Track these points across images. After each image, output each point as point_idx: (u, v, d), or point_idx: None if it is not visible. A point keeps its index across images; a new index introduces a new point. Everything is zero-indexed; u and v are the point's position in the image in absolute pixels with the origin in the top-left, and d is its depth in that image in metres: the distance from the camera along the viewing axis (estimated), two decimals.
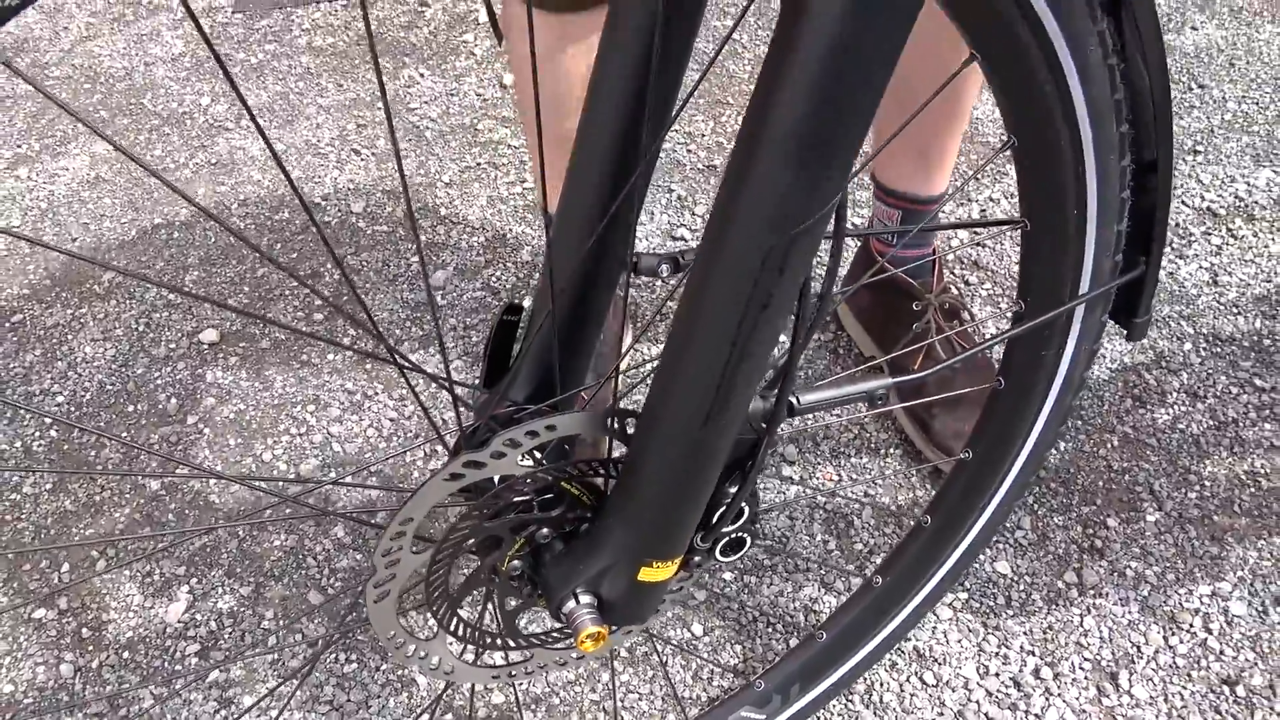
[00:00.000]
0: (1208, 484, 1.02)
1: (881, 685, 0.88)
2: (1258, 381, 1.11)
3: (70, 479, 1.07)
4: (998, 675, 0.89)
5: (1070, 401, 0.64)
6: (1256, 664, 0.88)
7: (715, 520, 0.49)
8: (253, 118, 0.33)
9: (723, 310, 0.40)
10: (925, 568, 0.72)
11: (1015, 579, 0.95)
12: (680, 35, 0.44)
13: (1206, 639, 0.90)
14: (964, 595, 0.93)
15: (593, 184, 0.49)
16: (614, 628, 0.51)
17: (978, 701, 0.87)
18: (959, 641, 0.91)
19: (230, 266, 1.33)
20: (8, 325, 1.26)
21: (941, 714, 0.86)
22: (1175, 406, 1.09)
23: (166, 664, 0.93)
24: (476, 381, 0.56)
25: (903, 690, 0.88)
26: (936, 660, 0.90)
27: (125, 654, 0.93)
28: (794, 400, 0.49)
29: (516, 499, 0.47)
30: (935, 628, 0.91)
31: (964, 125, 0.98)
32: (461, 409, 0.51)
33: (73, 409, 1.15)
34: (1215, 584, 0.94)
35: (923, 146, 0.97)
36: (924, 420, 1.02)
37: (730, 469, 0.48)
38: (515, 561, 0.49)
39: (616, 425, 0.46)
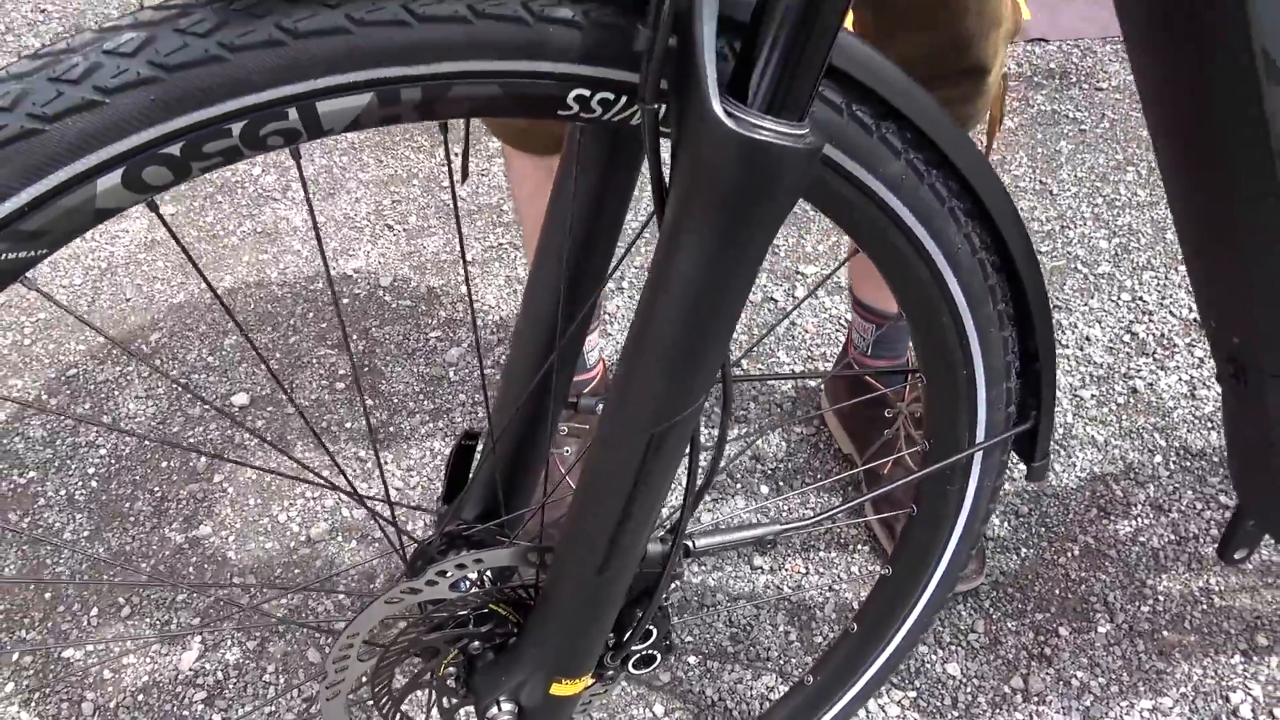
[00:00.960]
0: (1161, 599, 1.06)
1: None
2: (1222, 498, 1.16)
3: (105, 529, 1.17)
4: None
5: (979, 529, 0.70)
6: None
7: (623, 640, 0.57)
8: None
9: (612, 480, 0.47)
10: (852, 671, 0.78)
11: (964, 681, 1.00)
12: (613, 204, 0.52)
13: None
14: (912, 694, 0.99)
15: (537, 329, 0.57)
16: None
17: None
18: None
19: (265, 333, 1.44)
20: (64, 378, 1.38)
21: None
22: (1139, 519, 1.14)
23: (176, 709, 1.02)
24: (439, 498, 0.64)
25: None
26: None
27: (140, 696, 1.02)
28: (690, 544, 0.56)
29: (450, 617, 0.55)
30: None
31: None
32: (423, 521, 0.59)
33: (113, 461, 1.26)
34: (1157, 699, 0.98)
35: None
36: (892, 526, 1.08)
37: (637, 597, 0.55)
38: (450, 668, 0.57)
39: (538, 559, 0.54)
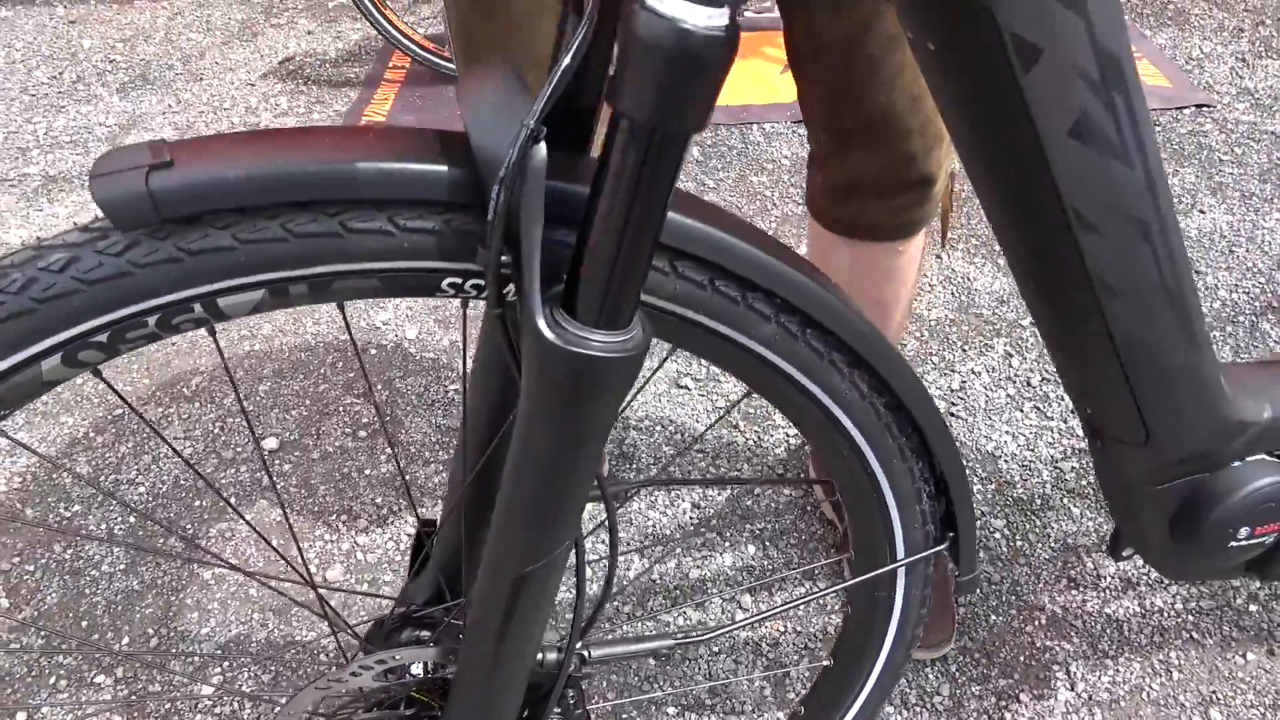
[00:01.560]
0: (1122, 670, 1.11)
1: None
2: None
3: (140, 563, 1.27)
4: None
5: (912, 631, 0.76)
6: None
7: None
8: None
9: (492, 608, 0.55)
10: None
11: None
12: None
13: None
14: None
15: (478, 417, 0.64)
16: None
17: None
18: None
19: (297, 380, 1.55)
20: (110, 417, 1.50)
21: None
22: (1108, 591, 1.19)
23: None
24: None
25: None
26: None
27: None
28: (585, 654, 0.64)
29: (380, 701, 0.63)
30: None
31: (899, 337, 1.12)
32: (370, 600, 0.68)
33: (151, 498, 1.36)
34: None
35: None
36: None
37: (543, 696, 0.63)
38: None
39: (444, 659, 0.62)
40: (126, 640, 1.19)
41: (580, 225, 0.44)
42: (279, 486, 1.38)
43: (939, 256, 1.80)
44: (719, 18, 0.38)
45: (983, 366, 1.53)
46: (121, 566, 1.27)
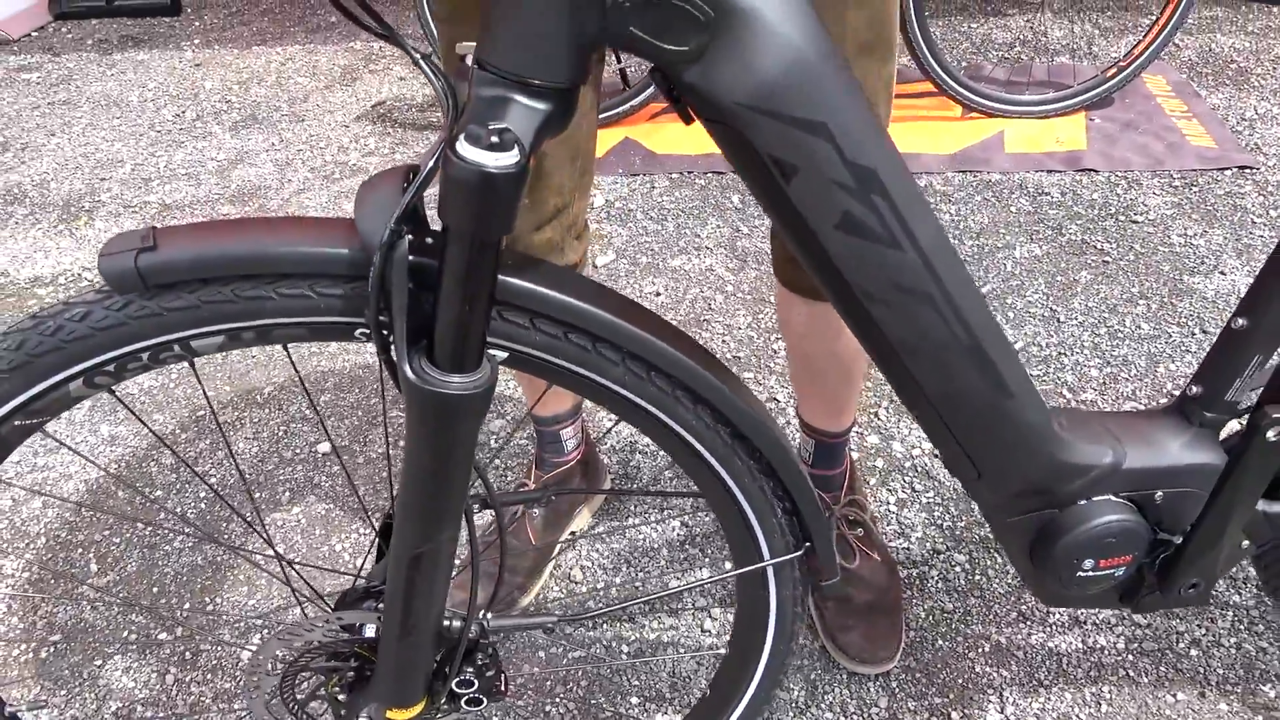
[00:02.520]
0: (1054, 699, 1.20)
1: None
2: (1137, 617, 1.28)
3: (204, 544, 1.49)
4: None
5: (790, 627, 0.88)
6: None
7: (446, 689, 0.80)
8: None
9: (399, 579, 0.71)
10: None
11: None
12: None
13: None
14: None
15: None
16: None
17: None
18: None
19: (353, 394, 1.76)
20: (194, 418, 1.73)
21: None
22: (1054, 627, 1.28)
23: (238, 690, 1.30)
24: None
25: None
26: None
27: (208, 677, 1.31)
28: (484, 624, 0.79)
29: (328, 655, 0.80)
30: None
31: (857, 386, 1.24)
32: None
33: (221, 487, 1.58)
34: None
35: (826, 400, 1.24)
36: (822, 613, 1.27)
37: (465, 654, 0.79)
38: (337, 687, 0.82)
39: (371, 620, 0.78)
40: (187, 605, 1.40)
41: (434, 294, 0.60)
42: (320, 482, 1.58)
43: None
44: (508, 159, 0.54)
45: None
46: (190, 545, 1.49)
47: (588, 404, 1.58)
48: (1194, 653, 1.24)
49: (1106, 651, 1.25)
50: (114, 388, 0.68)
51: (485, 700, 0.84)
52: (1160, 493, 0.88)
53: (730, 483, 0.76)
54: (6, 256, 2.28)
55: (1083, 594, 0.91)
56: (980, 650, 1.26)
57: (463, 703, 0.83)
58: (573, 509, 1.43)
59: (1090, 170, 2.34)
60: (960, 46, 3.06)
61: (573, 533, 1.44)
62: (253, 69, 3.26)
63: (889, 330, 0.70)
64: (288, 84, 3.13)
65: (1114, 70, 2.57)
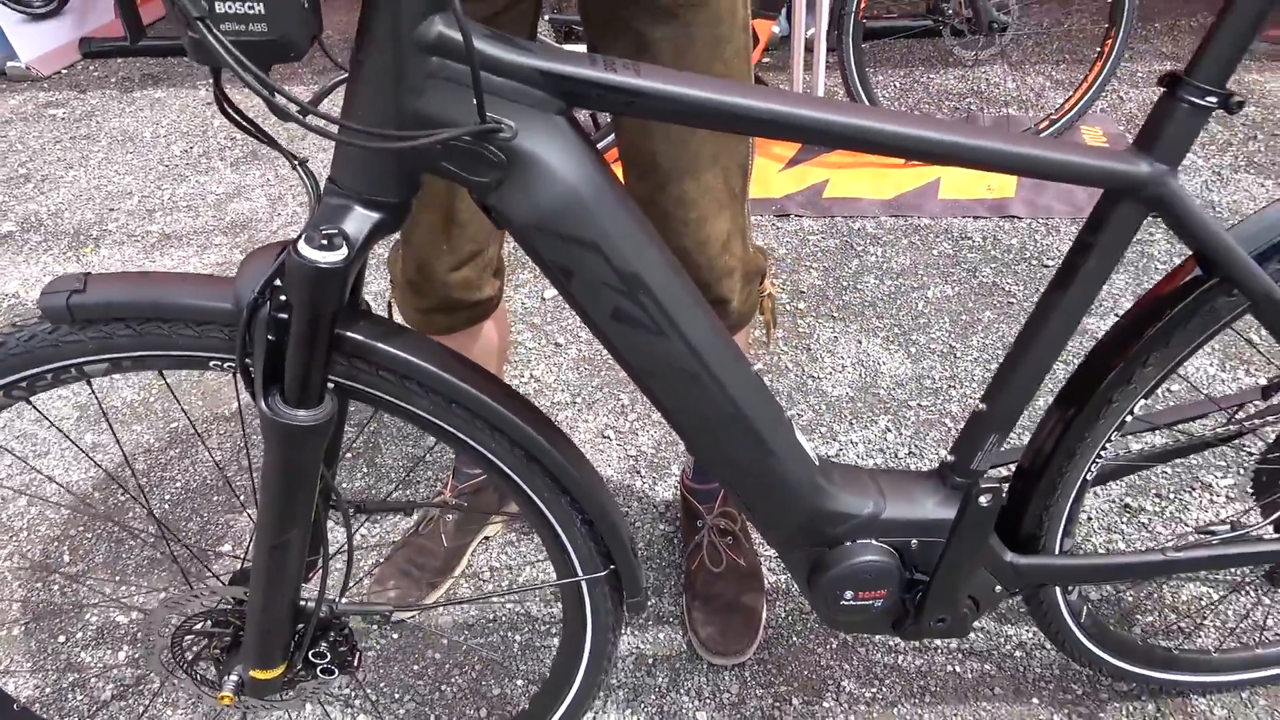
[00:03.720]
0: (886, 689, 1.35)
1: None
2: (980, 623, 1.43)
3: (161, 542, 1.68)
4: None
5: (608, 635, 1.04)
6: None
7: (301, 657, 0.98)
8: None
9: (259, 566, 0.88)
10: (550, 708, 1.15)
11: None
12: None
13: None
14: None
15: None
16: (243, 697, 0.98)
17: None
18: None
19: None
20: (168, 429, 1.94)
21: None
22: None
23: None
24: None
25: None
26: None
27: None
28: (332, 607, 0.97)
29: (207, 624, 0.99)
30: None
31: None
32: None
33: (184, 491, 1.78)
34: None
35: None
36: (690, 611, 1.44)
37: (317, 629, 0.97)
38: (217, 649, 1.00)
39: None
40: (146, 592, 1.59)
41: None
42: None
43: (783, 347, 2.07)
44: (335, 257, 0.71)
45: (860, 438, 1.79)
46: (151, 541, 1.68)
47: None
48: (1018, 654, 1.40)
49: (939, 651, 1.40)
50: (29, 399, 0.87)
51: (338, 671, 1.01)
52: (915, 541, 1.04)
53: (537, 500, 0.93)
54: (18, 280, 2.52)
55: (851, 620, 1.08)
56: (828, 647, 1.42)
57: (318, 671, 1.01)
58: (485, 517, 1.60)
59: (1014, 217, 2.51)
60: (915, 96, 3.24)
61: (486, 537, 1.62)
62: (260, 108, 3.50)
63: (662, 400, 0.87)
64: (290, 124, 3.37)
65: (1046, 123, 2.74)
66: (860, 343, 2.06)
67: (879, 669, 1.38)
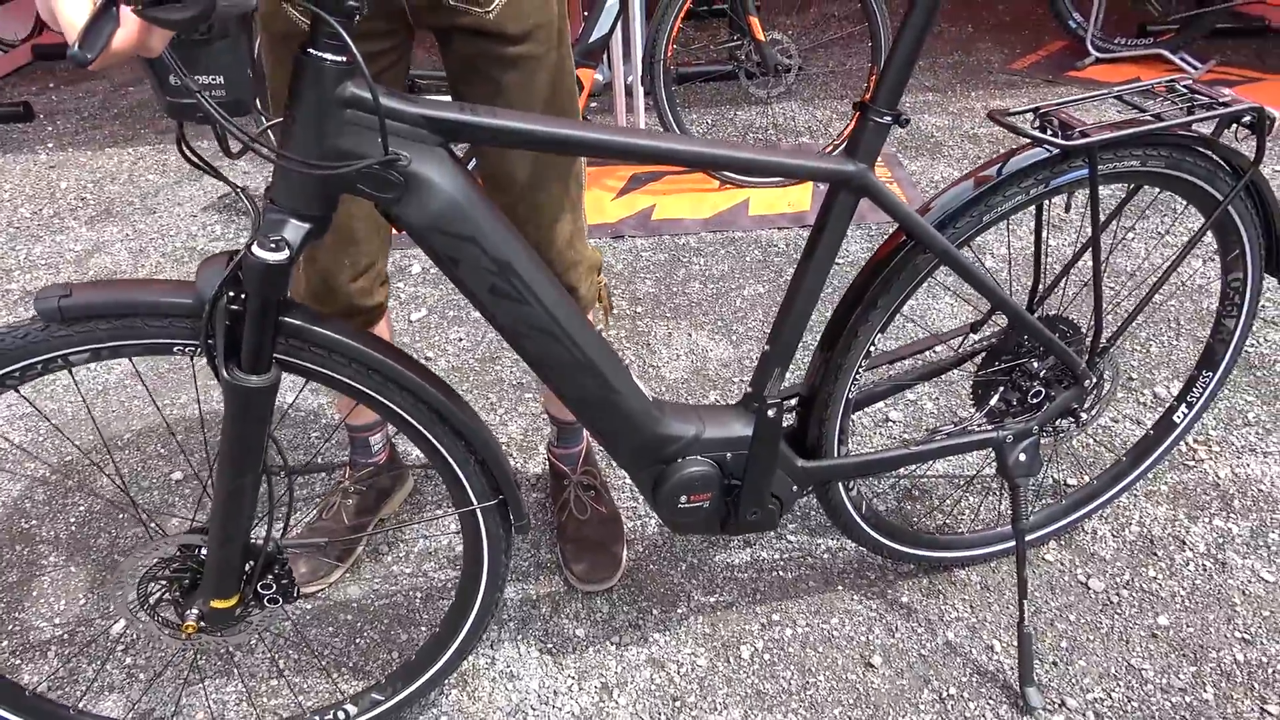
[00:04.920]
0: (725, 593, 1.69)
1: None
2: (789, 537, 1.79)
3: (111, 511, 1.83)
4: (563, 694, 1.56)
5: (503, 558, 1.33)
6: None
7: (253, 587, 1.22)
8: None
9: (216, 508, 1.13)
10: (455, 630, 1.41)
11: (583, 637, 1.62)
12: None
13: (674, 679, 1.56)
14: (547, 642, 1.61)
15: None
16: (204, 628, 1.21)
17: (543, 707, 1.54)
18: (537, 667, 1.58)
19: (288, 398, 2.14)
20: (147, 421, 2.08)
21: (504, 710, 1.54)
22: (732, 549, 1.78)
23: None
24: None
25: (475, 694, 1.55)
26: (513, 676, 1.57)
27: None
28: (277, 544, 1.22)
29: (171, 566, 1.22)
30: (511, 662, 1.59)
31: None
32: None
33: (142, 468, 1.93)
34: (695, 645, 1.60)
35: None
36: (564, 553, 1.74)
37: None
38: (176, 590, 1.23)
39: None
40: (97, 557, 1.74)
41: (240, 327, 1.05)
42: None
43: (612, 329, 2.44)
44: (280, 257, 0.98)
45: None
46: (117, 502, 1.84)
47: None
48: (825, 556, 1.77)
49: (765, 562, 1.76)
50: (19, 388, 1.10)
51: (281, 601, 1.26)
52: (729, 454, 1.39)
53: (436, 442, 1.20)
54: None
55: (690, 521, 1.42)
56: (679, 569, 1.75)
57: (265, 600, 1.25)
58: (380, 500, 1.85)
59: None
60: (724, 129, 3.70)
61: (382, 519, 1.86)
62: (106, 168, 3.60)
63: (530, 355, 1.18)
64: (140, 180, 3.48)
65: (832, 146, 3.23)
66: (690, 335, 2.43)
67: (720, 580, 1.72)
